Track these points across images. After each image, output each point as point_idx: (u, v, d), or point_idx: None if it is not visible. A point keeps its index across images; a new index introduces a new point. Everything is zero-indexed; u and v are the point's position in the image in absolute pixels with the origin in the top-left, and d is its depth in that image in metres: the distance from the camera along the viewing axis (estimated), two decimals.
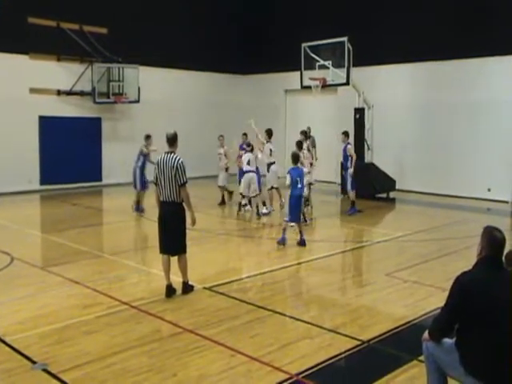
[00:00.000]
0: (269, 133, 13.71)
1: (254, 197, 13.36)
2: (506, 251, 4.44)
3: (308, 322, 6.32)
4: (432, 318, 6.29)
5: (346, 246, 10.86)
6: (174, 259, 7.32)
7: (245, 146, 13.39)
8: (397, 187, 16.99)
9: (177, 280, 7.32)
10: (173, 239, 7.20)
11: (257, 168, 13.44)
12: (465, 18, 16.38)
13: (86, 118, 18.74)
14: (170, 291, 7.21)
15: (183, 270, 7.33)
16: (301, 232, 10.19)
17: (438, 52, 16.75)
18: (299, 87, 17.35)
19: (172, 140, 7.22)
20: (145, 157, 13.26)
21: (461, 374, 3.89)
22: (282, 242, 10.17)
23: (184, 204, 7.17)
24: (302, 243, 10.18)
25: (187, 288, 7.37)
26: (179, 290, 7.31)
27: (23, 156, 17.19)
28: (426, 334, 4.13)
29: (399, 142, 17.97)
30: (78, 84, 18.25)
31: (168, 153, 7.13)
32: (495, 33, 15.63)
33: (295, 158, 10.22)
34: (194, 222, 7.32)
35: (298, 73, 17.04)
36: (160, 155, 7.21)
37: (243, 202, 13.51)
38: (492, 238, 3.92)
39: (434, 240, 10.86)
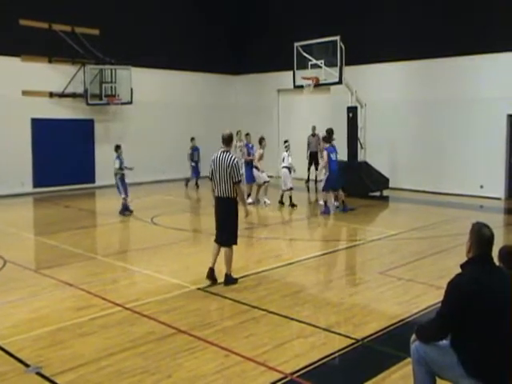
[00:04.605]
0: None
1: (287, 190, 14.30)
2: (500, 246, 4.47)
3: (302, 322, 6.32)
4: (426, 315, 6.36)
5: (340, 244, 10.87)
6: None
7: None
8: (390, 185, 17.04)
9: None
10: (223, 231, 7.64)
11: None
12: (456, 16, 16.43)
13: (79, 119, 18.69)
14: (211, 274, 7.65)
15: (227, 261, 7.67)
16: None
17: (430, 50, 16.80)
18: (292, 87, 17.38)
19: (228, 140, 7.73)
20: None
21: (459, 375, 3.79)
22: None
23: (238, 199, 7.62)
24: None
25: (229, 280, 7.66)
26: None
27: (16, 158, 17.11)
28: (414, 336, 4.04)
29: (392, 140, 18.00)
30: (70, 86, 18.20)
31: (224, 151, 7.60)
32: (486, 30, 15.69)
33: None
34: (247, 214, 7.95)
35: (291, 72, 17.08)
36: (216, 153, 7.65)
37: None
38: (481, 235, 3.88)
39: (427, 238, 10.89)
